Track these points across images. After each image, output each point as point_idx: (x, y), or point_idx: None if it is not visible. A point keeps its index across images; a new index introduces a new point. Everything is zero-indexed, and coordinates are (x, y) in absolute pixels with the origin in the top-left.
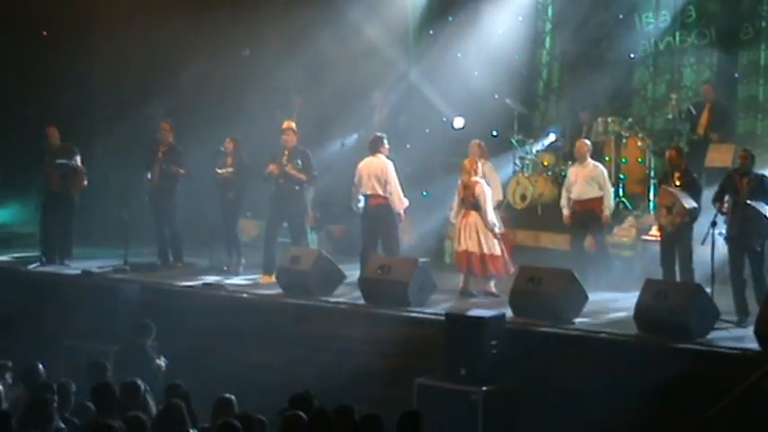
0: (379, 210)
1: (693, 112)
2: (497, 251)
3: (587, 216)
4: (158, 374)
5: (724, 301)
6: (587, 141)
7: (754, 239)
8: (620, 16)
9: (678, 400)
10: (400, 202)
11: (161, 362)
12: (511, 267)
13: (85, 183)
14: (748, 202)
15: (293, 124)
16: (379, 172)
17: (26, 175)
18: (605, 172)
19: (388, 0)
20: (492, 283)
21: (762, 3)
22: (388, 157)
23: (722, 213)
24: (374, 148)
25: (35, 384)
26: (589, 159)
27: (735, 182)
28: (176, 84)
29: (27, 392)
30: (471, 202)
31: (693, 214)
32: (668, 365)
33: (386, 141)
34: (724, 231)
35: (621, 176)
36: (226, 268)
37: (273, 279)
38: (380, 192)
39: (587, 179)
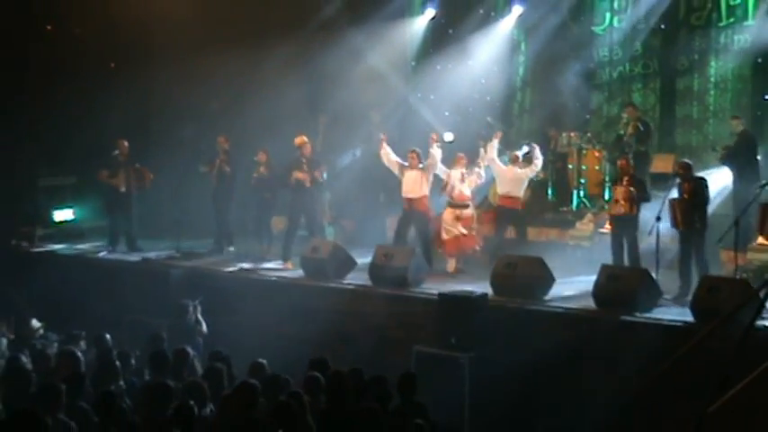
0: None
1: (642, 128)
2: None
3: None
4: (202, 343)
5: (666, 282)
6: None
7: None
8: (581, 51)
9: (627, 363)
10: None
11: (204, 329)
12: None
13: (147, 185)
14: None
15: (305, 138)
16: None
17: (95, 180)
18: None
19: (392, 31)
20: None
21: (693, 41)
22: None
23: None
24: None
25: (103, 351)
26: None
27: (683, 186)
28: (211, 108)
29: (97, 358)
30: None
31: (636, 208)
32: (620, 335)
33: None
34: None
35: (582, 180)
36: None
37: (292, 264)
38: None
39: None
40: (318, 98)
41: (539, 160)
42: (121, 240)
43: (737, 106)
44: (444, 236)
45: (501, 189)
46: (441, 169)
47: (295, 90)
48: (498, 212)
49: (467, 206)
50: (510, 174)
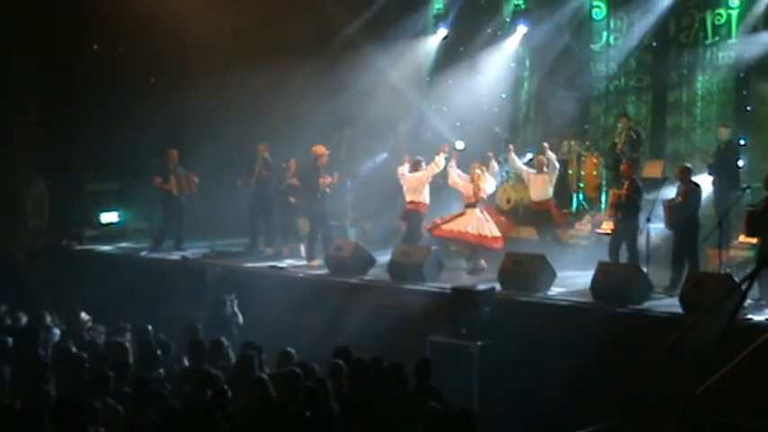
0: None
1: (634, 137)
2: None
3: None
4: (237, 333)
5: (657, 277)
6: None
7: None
8: (580, 67)
9: (621, 350)
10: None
11: (239, 321)
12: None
13: (195, 189)
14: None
15: (324, 148)
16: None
17: (138, 186)
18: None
19: (407, 50)
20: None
21: (682, 57)
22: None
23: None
24: (416, 167)
25: (145, 341)
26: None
27: (679, 190)
28: (243, 120)
29: (139, 347)
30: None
31: (631, 210)
32: (615, 325)
33: (422, 163)
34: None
35: (581, 185)
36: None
37: (317, 263)
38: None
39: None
40: (342, 110)
41: (555, 162)
42: (166, 240)
43: (722, 117)
44: (471, 232)
45: (535, 195)
46: (459, 175)
47: (320, 103)
48: (537, 216)
49: (474, 206)
50: (541, 179)
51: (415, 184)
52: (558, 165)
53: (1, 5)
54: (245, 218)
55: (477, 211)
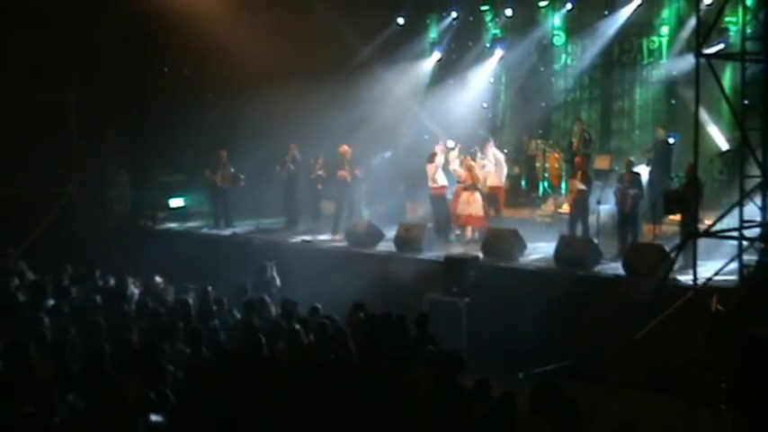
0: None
1: (587, 137)
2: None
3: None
4: (276, 293)
5: (605, 247)
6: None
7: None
8: (544, 82)
9: (578, 304)
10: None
11: (277, 283)
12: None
13: (242, 183)
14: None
15: (347, 147)
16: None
17: (199, 178)
18: None
19: (409, 69)
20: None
21: (624, 74)
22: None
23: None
24: (431, 159)
25: (204, 299)
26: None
27: (622, 177)
28: (279, 126)
29: (200, 304)
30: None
31: (585, 195)
32: (572, 285)
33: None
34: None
35: (546, 174)
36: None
37: (339, 237)
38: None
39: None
40: (356, 118)
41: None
42: (220, 220)
43: (656, 121)
44: (460, 212)
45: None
46: (456, 168)
47: (339, 112)
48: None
49: (477, 189)
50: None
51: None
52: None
53: (94, 36)
54: (280, 202)
55: (476, 194)
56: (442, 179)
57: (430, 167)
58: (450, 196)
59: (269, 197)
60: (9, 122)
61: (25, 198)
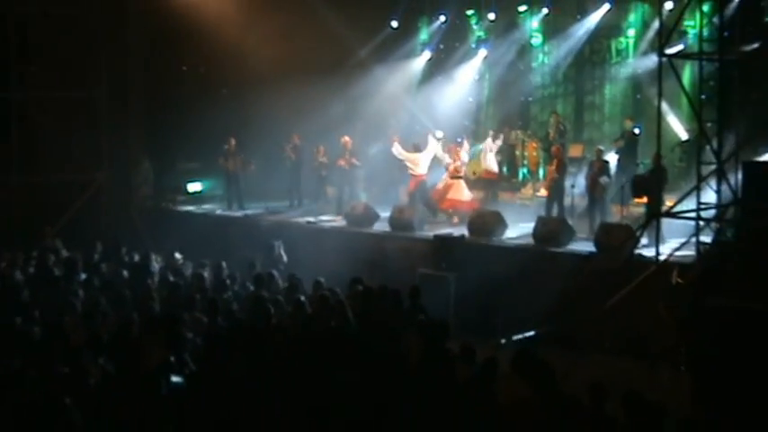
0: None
1: (562, 128)
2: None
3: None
4: (283, 268)
5: (578, 226)
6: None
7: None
8: (523, 79)
9: (554, 279)
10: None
11: (284, 260)
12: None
13: (252, 167)
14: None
15: (348, 138)
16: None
17: (214, 165)
18: None
19: (402, 67)
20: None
21: (595, 72)
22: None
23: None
24: (417, 149)
25: (219, 273)
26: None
27: (593, 164)
28: (285, 118)
29: (214, 277)
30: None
31: (560, 180)
32: (549, 260)
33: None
34: (582, 189)
35: (525, 162)
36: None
37: (341, 218)
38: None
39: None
40: (354, 111)
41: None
42: (234, 203)
43: (623, 114)
44: (448, 197)
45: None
46: (441, 155)
47: (339, 106)
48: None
49: (461, 177)
50: (489, 156)
51: (413, 161)
52: (499, 143)
53: (122, 39)
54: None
55: (461, 181)
56: (422, 168)
57: (411, 156)
58: (429, 184)
59: (277, 182)
60: (46, 116)
61: (60, 184)
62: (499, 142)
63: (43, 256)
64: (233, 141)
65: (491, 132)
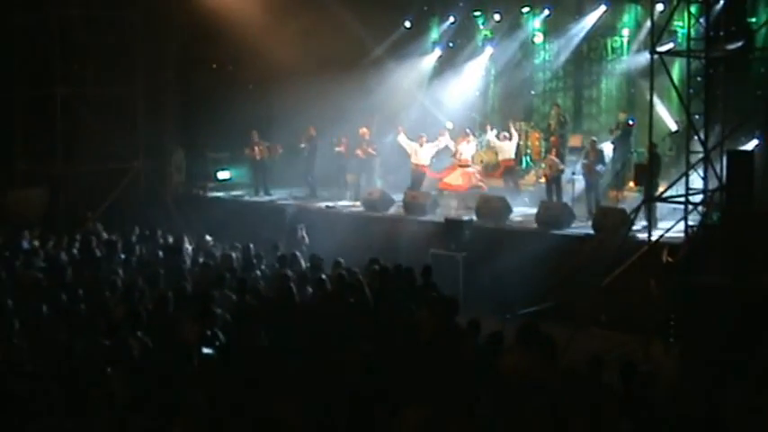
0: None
1: (563, 120)
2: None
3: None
4: (306, 249)
5: (577, 210)
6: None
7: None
8: (526, 74)
9: (555, 259)
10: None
11: (306, 241)
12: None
13: (280, 151)
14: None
15: (365, 129)
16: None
17: (242, 155)
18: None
19: (415, 64)
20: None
21: (592, 67)
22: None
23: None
24: (422, 141)
25: (247, 254)
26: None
27: (588, 154)
28: (306, 111)
29: (243, 258)
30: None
31: (561, 168)
32: (550, 243)
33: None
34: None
35: (528, 151)
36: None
37: (358, 203)
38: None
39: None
40: (371, 105)
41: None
42: (260, 189)
43: (619, 106)
44: (456, 182)
45: (503, 156)
46: (450, 144)
47: (356, 100)
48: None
49: (469, 165)
50: (507, 146)
51: (415, 151)
52: (516, 136)
53: (156, 38)
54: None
55: (467, 168)
56: (425, 158)
57: (412, 146)
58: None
59: (300, 170)
60: (87, 110)
61: (100, 172)
62: (516, 136)
63: (86, 239)
64: (255, 133)
65: (488, 126)
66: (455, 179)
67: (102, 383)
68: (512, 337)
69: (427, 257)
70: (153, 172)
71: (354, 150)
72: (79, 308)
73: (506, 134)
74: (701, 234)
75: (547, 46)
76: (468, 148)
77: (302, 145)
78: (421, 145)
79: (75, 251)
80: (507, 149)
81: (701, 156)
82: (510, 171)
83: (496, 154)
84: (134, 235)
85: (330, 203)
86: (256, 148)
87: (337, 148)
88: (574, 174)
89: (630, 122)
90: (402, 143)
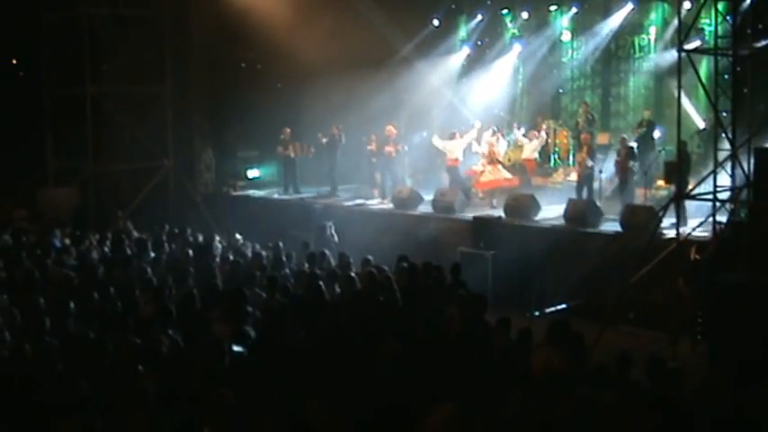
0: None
1: (590, 117)
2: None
3: None
4: (335, 247)
5: (606, 208)
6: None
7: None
8: (554, 72)
9: (583, 257)
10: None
11: (335, 239)
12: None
13: (312, 151)
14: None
15: (393, 127)
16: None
17: (271, 153)
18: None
19: (443, 62)
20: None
21: (620, 65)
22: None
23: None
24: (453, 136)
25: (277, 252)
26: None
27: (620, 151)
28: (334, 110)
29: (273, 256)
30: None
31: (590, 166)
32: (579, 240)
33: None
34: (610, 174)
35: (557, 149)
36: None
37: (386, 201)
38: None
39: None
40: (399, 103)
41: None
42: (289, 187)
43: (646, 104)
44: (486, 180)
45: (525, 155)
46: (477, 142)
47: (384, 98)
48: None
49: (500, 162)
50: (531, 146)
51: (451, 148)
52: (545, 136)
53: (186, 39)
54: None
55: (498, 166)
56: (457, 153)
57: (449, 144)
58: (462, 168)
59: (326, 169)
60: (117, 109)
61: (131, 171)
62: (543, 136)
63: (117, 237)
64: (288, 131)
65: (515, 125)
66: (488, 176)
67: (133, 381)
68: (540, 335)
69: (456, 255)
70: (182, 170)
71: (383, 148)
72: (110, 306)
73: (535, 132)
74: (729, 231)
75: (575, 44)
76: (497, 146)
77: (324, 140)
78: (453, 138)
79: (105, 249)
80: (531, 149)
81: (728, 153)
82: (530, 170)
83: (521, 152)
84: (164, 233)
85: (359, 201)
86: (290, 147)
87: (369, 146)
88: (601, 172)
89: (657, 132)
90: (437, 144)
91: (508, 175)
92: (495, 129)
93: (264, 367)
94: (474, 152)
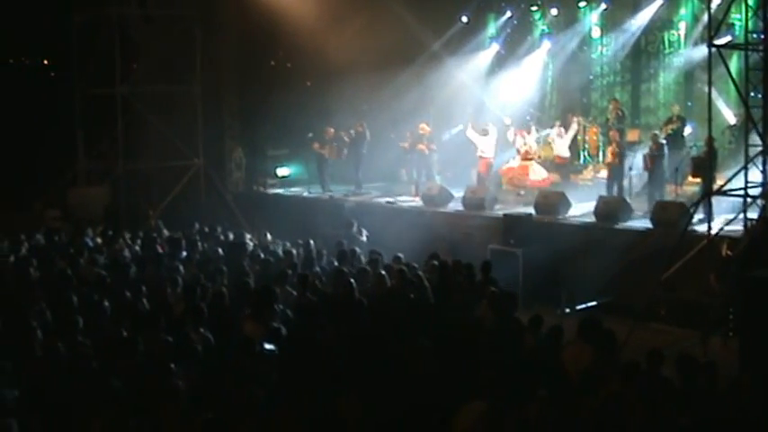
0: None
1: (620, 114)
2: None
3: None
4: (364, 244)
5: (636, 204)
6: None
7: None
8: (584, 68)
9: (614, 253)
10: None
11: (364, 237)
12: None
13: (345, 153)
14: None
15: (425, 125)
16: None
17: (301, 151)
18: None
19: (472, 59)
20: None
21: (650, 61)
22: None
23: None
24: (485, 133)
25: (307, 250)
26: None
27: (651, 147)
28: (363, 107)
29: (304, 254)
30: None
31: (619, 161)
32: (609, 235)
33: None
34: (639, 170)
35: (586, 146)
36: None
37: (418, 199)
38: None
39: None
40: (428, 101)
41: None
42: (324, 185)
43: (676, 100)
44: (529, 179)
45: (557, 151)
46: (510, 139)
47: (413, 95)
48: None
49: (532, 159)
50: (563, 141)
51: (483, 144)
52: (576, 127)
53: (216, 38)
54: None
55: (533, 163)
56: (489, 151)
57: (481, 140)
58: (496, 166)
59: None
60: (148, 109)
61: (161, 170)
62: (572, 132)
63: (149, 236)
64: (331, 131)
65: (557, 123)
66: (539, 174)
67: (165, 380)
68: (571, 333)
69: (487, 253)
70: (213, 169)
71: (416, 146)
72: (142, 304)
73: (562, 129)
74: (761, 227)
75: (604, 40)
76: (529, 142)
77: (346, 138)
78: (486, 135)
79: (137, 249)
80: (561, 145)
81: (759, 149)
82: (562, 167)
83: (553, 150)
84: (195, 232)
85: (390, 199)
86: (327, 147)
87: (402, 144)
88: (631, 169)
89: (688, 128)
90: (471, 137)
91: (545, 174)
92: (529, 124)
93: (296, 365)
94: (516, 148)
